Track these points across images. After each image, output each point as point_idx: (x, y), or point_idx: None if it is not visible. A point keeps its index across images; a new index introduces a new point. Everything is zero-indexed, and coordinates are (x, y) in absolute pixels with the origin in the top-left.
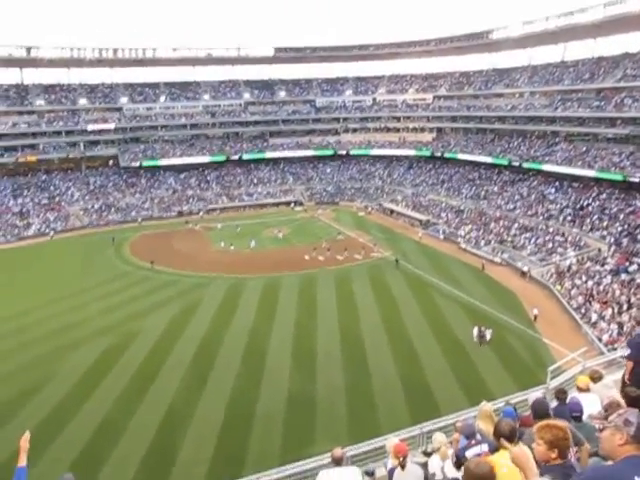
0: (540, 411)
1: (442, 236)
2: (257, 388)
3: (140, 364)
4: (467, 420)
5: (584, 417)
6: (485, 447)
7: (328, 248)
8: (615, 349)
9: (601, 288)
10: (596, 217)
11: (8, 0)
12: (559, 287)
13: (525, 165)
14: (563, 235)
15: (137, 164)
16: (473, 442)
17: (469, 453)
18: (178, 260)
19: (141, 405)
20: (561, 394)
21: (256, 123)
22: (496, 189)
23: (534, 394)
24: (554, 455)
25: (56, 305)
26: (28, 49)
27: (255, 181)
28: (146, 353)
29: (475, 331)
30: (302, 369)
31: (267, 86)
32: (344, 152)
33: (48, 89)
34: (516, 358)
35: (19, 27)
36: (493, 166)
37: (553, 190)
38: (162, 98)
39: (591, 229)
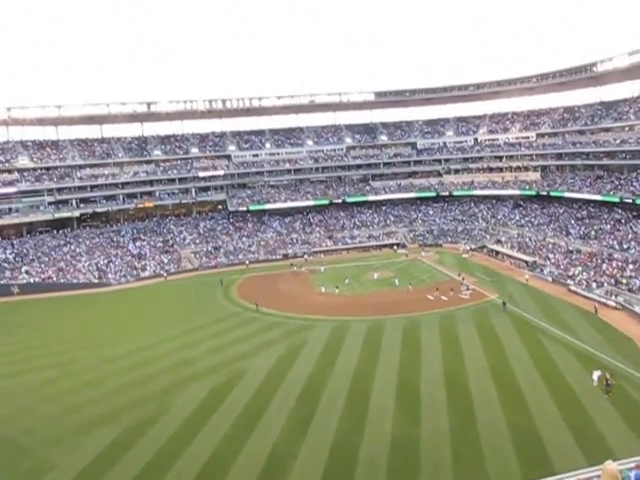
0: None
1: (550, 278)
2: (360, 431)
3: (246, 403)
4: None
5: None
6: None
7: (452, 288)
8: None
9: None
10: None
11: (127, 60)
12: None
13: (639, 202)
14: None
15: (244, 208)
16: None
17: None
18: (283, 302)
19: (247, 442)
20: None
21: (358, 167)
22: (608, 228)
23: None
24: None
25: (171, 343)
26: (148, 104)
27: (358, 224)
28: (252, 392)
29: (595, 376)
30: (406, 413)
31: (368, 130)
32: (446, 193)
33: (164, 140)
34: (638, 411)
35: (138, 85)
36: (603, 204)
37: None
38: (267, 145)
39: None
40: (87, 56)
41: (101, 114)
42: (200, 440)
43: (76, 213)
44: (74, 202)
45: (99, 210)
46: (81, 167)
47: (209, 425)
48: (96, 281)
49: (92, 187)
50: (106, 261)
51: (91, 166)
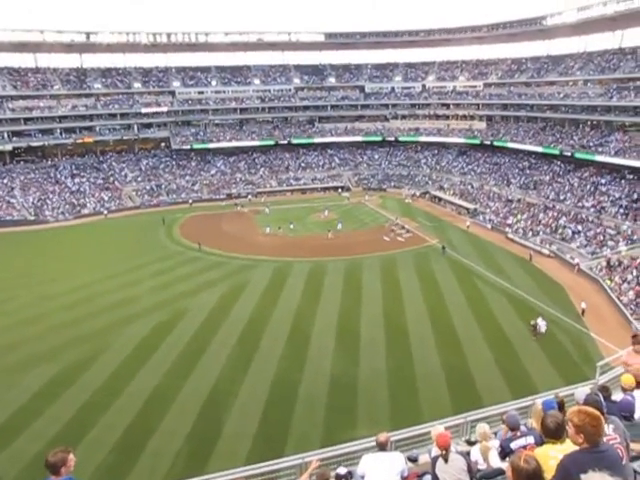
0: (593, 407)
1: (490, 225)
2: (300, 370)
3: (188, 341)
4: (512, 412)
5: (636, 417)
6: (531, 439)
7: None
8: None
9: None
10: None
11: None
12: (609, 281)
13: (577, 155)
14: (615, 228)
15: (188, 147)
16: (518, 434)
17: (514, 444)
18: (226, 242)
19: (188, 380)
20: (604, 391)
21: (305, 108)
22: (546, 179)
23: (581, 389)
24: (580, 440)
25: (112, 281)
26: (87, 35)
27: (303, 166)
28: (194, 331)
29: (540, 320)
30: (345, 353)
31: (317, 71)
32: (392, 138)
33: (105, 73)
34: (562, 352)
35: (78, 13)
36: (544, 156)
37: (606, 182)
38: (213, 82)
39: None
40: None
41: (35, 41)
42: (141, 378)
43: (8, 147)
44: (6, 135)
45: (34, 144)
46: (13, 98)
47: (150, 363)
48: (32, 218)
49: (26, 120)
50: (43, 197)
51: (24, 97)
